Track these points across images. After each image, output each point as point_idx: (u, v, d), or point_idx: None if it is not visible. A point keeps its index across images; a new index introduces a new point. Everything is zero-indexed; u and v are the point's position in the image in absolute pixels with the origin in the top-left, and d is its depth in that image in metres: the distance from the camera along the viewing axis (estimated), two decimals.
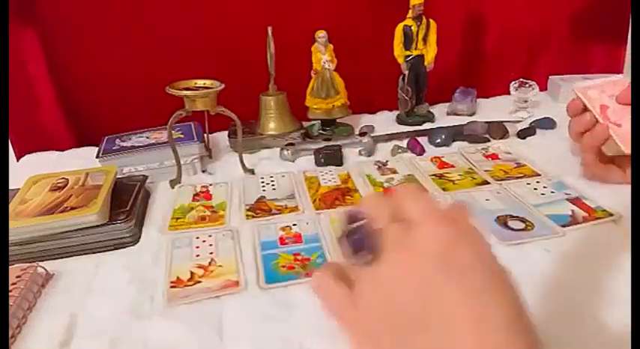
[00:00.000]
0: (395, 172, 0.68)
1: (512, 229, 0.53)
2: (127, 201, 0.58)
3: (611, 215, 0.53)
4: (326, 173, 0.69)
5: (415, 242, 0.27)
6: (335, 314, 0.32)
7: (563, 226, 0.52)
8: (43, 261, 0.51)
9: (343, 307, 0.30)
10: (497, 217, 0.55)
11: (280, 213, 0.59)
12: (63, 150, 0.84)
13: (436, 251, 0.26)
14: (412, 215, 0.28)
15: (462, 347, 0.24)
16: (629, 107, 0.53)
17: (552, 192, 0.59)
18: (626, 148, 0.53)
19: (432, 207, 0.29)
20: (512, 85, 0.87)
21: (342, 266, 0.32)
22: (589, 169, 0.60)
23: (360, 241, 0.30)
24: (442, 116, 0.89)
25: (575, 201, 0.57)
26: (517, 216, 0.55)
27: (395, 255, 0.27)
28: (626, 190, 0.57)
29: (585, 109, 0.57)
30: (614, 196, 0.56)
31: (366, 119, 0.90)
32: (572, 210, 0.55)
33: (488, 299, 0.25)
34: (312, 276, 0.33)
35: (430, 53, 0.82)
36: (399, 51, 0.81)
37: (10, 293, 0.43)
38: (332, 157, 0.72)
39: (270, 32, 0.73)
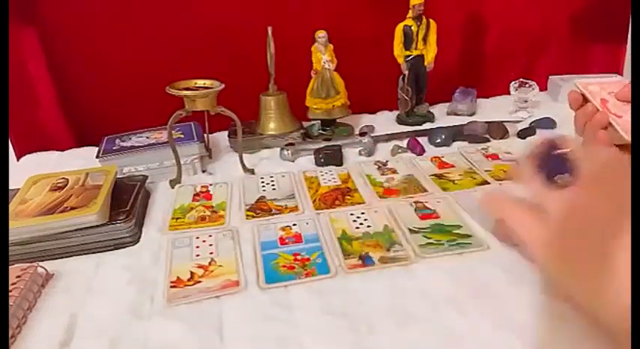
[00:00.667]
0: (395, 172, 0.68)
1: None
2: (127, 201, 0.58)
3: None
4: (326, 173, 0.69)
5: (608, 175, 0.33)
6: (523, 232, 0.36)
7: None
8: (43, 261, 0.51)
9: (533, 225, 0.35)
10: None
11: (280, 213, 0.59)
12: (63, 150, 0.84)
13: (626, 183, 0.31)
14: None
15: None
16: (629, 104, 0.53)
17: None
18: (628, 136, 0.53)
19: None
20: (512, 85, 0.87)
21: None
22: None
23: (564, 165, 0.35)
24: (442, 116, 0.89)
25: None
26: None
27: (592, 182, 0.33)
28: None
29: (586, 101, 0.57)
30: None
31: (366, 119, 0.90)
32: None
33: None
34: (497, 204, 0.40)
35: (430, 53, 0.82)
36: (399, 51, 0.81)
37: (10, 293, 0.43)
38: (332, 157, 0.72)
39: (270, 32, 0.73)
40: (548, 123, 0.80)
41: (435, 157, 0.72)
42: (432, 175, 0.67)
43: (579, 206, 0.33)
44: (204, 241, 0.54)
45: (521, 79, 0.87)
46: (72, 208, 0.53)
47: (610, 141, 0.56)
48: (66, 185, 0.59)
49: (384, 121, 0.89)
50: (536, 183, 0.37)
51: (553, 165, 0.36)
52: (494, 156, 0.71)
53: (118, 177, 0.62)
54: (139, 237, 0.56)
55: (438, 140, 0.77)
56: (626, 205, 0.31)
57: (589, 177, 0.34)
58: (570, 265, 0.33)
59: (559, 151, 0.36)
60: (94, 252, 0.53)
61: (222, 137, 0.81)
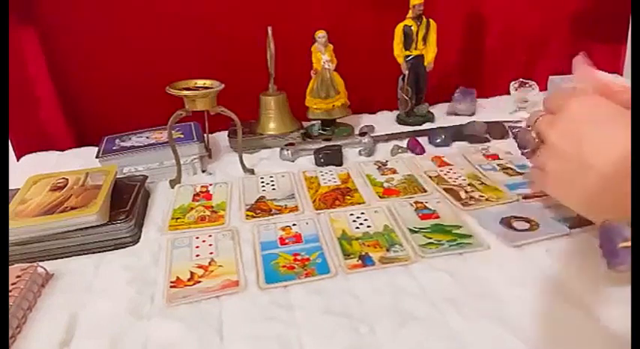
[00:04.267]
0: (395, 172, 0.68)
1: (517, 230, 0.52)
2: (127, 201, 0.58)
3: None
4: (326, 173, 0.69)
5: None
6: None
7: (570, 228, 0.52)
8: (43, 261, 0.51)
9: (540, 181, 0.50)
10: (502, 218, 0.54)
11: (280, 213, 0.59)
12: (63, 150, 0.84)
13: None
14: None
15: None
16: None
17: None
18: None
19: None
20: (512, 85, 0.87)
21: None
22: None
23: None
24: (442, 116, 0.89)
25: None
26: (521, 217, 0.55)
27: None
28: None
29: None
30: None
31: (366, 119, 0.90)
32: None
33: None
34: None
35: (430, 53, 0.82)
36: (398, 51, 0.81)
37: (10, 293, 0.43)
38: (332, 157, 0.72)
39: (270, 32, 0.73)
40: None
41: (435, 157, 0.72)
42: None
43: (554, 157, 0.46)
44: (203, 241, 0.54)
45: (521, 79, 0.87)
46: (72, 208, 0.53)
47: None
48: (66, 185, 0.59)
49: (384, 121, 0.89)
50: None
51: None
52: (494, 157, 0.71)
53: (118, 177, 0.62)
54: (139, 237, 0.56)
55: (438, 140, 0.77)
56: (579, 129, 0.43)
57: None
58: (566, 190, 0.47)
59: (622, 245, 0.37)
60: (94, 252, 0.53)
61: (222, 137, 0.81)
